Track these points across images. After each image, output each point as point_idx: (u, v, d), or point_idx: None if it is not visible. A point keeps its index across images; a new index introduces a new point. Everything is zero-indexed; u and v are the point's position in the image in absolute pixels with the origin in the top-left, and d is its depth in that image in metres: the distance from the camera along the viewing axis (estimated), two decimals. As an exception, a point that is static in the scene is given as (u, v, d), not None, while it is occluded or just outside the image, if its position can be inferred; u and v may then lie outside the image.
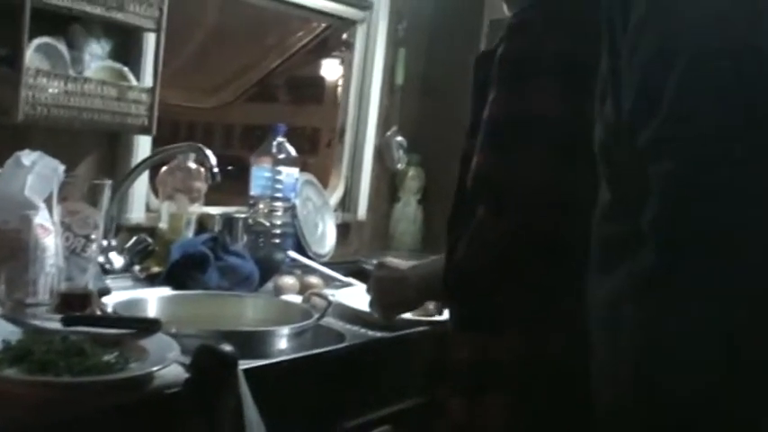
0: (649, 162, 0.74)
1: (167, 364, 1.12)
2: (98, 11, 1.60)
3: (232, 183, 2.18)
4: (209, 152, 1.71)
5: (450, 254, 1.23)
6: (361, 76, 2.55)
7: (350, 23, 2.50)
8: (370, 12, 2.49)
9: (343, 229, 2.56)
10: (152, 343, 1.19)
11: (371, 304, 1.59)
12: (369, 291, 1.59)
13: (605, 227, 0.88)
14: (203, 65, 2.80)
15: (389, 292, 1.54)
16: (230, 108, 3.34)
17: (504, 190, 1.12)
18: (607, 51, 0.84)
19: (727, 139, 0.70)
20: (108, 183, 1.37)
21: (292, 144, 2.15)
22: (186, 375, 1.13)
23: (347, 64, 2.56)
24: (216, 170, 1.71)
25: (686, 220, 0.71)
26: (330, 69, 3.30)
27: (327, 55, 2.99)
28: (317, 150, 4.21)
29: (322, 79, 3.45)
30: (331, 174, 2.61)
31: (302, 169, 2.24)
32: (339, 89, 3.66)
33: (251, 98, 3.42)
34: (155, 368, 1.10)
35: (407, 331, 1.65)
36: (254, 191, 2.14)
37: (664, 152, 0.73)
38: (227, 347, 1.13)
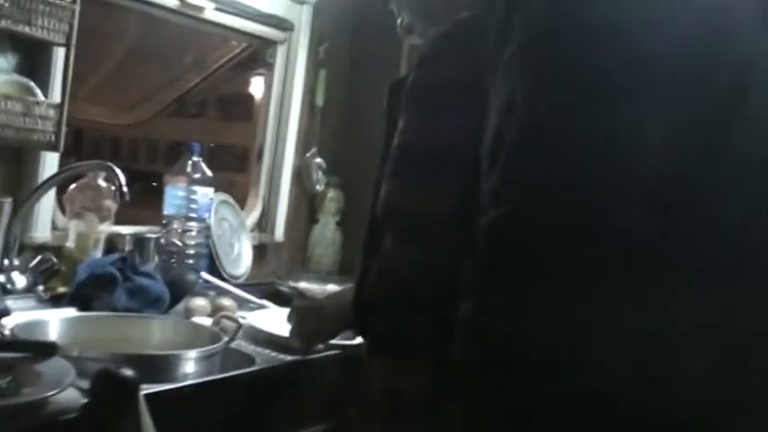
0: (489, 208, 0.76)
1: (63, 389, 1.08)
2: (3, 24, 1.55)
3: (156, 199, 2.14)
4: (118, 171, 1.67)
5: (359, 282, 1.23)
6: (281, 97, 2.53)
7: (270, 44, 2.49)
8: (290, 33, 2.48)
9: (260, 251, 2.54)
10: (48, 367, 1.15)
11: (291, 334, 1.58)
12: (288, 320, 1.58)
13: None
14: (121, 81, 2.75)
15: (308, 322, 1.54)
16: (155, 124, 3.28)
17: (410, 219, 1.12)
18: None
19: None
20: (8, 200, 1.32)
21: (220, 161, 2.13)
22: (84, 400, 1.09)
23: (267, 84, 2.55)
24: (125, 189, 1.67)
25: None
26: (260, 86, 3.27)
27: (254, 72, 2.96)
28: (245, 168, 4.19)
29: (251, 97, 3.42)
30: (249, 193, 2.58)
31: (230, 186, 2.21)
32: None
33: (178, 114, 3.37)
34: (49, 393, 1.06)
35: (320, 355, 1.64)
36: (167, 210, 2.11)
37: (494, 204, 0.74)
38: (128, 371, 1.10)
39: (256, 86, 3.34)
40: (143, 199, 1.83)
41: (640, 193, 0.70)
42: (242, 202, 2.51)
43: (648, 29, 0.70)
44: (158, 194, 2.14)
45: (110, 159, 1.82)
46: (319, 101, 2.66)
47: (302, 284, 2.45)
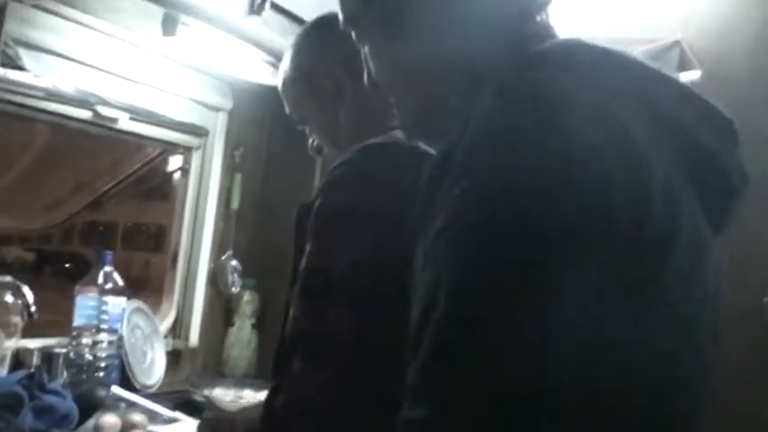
0: (405, 407, 0.74)
1: None
2: None
3: (71, 281, 2.11)
4: (25, 289, 1.65)
5: (267, 401, 1.23)
6: (196, 201, 2.54)
7: (184, 149, 2.51)
8: (206, 138, 2.51)
9: (174, 357, 2.50)
10: None
11: None
12: None
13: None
14: (31, 186, 2.71)
15: None
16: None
17: (317, 342, 1.13)
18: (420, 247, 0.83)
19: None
20: None
21: (138, 242, 2.11)
22: None
23: (182, 188, 2.55)
24: (33, 308, 1.64)
25: None
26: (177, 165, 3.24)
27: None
28: (162, 248, 4.12)
29: (169, 176, 3.38)
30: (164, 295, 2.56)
31: (146, 266, 2.18)
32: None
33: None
34: None
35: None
36: (77, 321, 2.06)
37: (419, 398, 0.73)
38: None
39: (174, 165, 3.33)
40: (54, 282, 1.80)
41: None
42: (159, 282, 2.48)
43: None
44: (72, 276, 2.11)
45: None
46: (235, 204, 2.68)
47: (217, 390, 2.42)
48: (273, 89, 2.34)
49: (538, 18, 0.97)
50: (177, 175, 3.07)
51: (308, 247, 1.17)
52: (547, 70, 0.83)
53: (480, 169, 0.75)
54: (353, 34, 1.06)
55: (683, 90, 0.90)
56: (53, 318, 2.26)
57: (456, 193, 0.75)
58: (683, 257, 0.80)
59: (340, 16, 1.06)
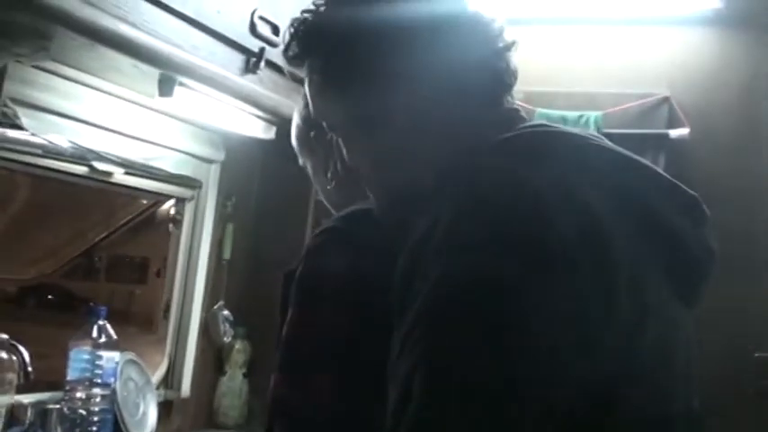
0: None
1: None
2: None
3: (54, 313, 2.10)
4: (22, 349, 1.65)
5: None
6: (189, 252, 2.56)
7: (177, 200, 2.53)
8: (198, 190, 2.54)
9: (166, 407, 2.49)
10: None
11: None
12: None
13: None
14: (19, 238, 2.72)
15: None
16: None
17: (293, 411, 1.11)
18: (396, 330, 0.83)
19: None
20: None
21: (120, 273, 2.11)
22: None
23: (174, 239, 2.57)
24: (30, 369, 1.64)
25: None
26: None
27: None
28: (146, 279, 4.08)
29: (155, 208, 3.38)
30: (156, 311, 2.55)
31: (129, 298, 2.19)
32: (171, 223, 3.62)
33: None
34: None
35: None
36: (71, 375, 2.06)
37: None
38: None
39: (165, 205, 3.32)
40: (36, 314, 1.80)
41: None
42: (142, 315, 2.48)
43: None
44: (54, 308, 2.11)
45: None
46: (226, 254, 2.70)
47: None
48: (265, 142, 2.39)
49: (505, 103, 0.99)
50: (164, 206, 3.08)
51: (289, 315, 1.14)
52: (515, 160, 0.85)
53: (452, 260, 0.77)
54: (325, 124, 1.07)
55: (651, 173, 0.93)
56: (36, 349, 2.25)
57: (430, 282, 0.77)
58: (653, 339, 0.82)
59: (311, 109, 1.07)
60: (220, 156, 2.56)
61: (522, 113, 0.99)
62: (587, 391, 0.75)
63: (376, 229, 1.12)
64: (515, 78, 0.99)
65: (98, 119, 2.08)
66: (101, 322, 2.10)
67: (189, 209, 2.55)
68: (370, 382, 0.99)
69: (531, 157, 0.86)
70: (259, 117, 2.20)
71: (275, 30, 2.07)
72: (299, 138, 1.47)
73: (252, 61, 2.03)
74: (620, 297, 0.78)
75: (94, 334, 2.08)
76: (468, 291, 0.75)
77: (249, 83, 2.03)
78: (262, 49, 2.04)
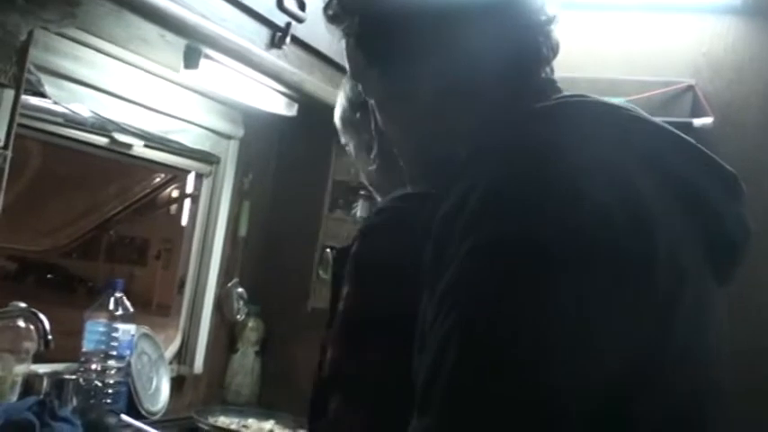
0: None
1: None
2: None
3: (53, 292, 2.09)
4: (42, 317, 1.65)
5: None
6: (205, 228, 2.55)
7: (195, 176, 2.52)
8: (216, 165, 2.52)
9: (178, 383, 2.49)
10: None
11: None
12: None
13: None
14: (33, 208, 2.70)
15: None
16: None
17: (353, 383, 1.14)
18: (427, 297, 0.83)
19: None
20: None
21: (120, 254, 2.10)
22: None
23: (191, 215, 2.56)
24: (50, 337, 1.64)
25: None
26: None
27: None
28: (145, 261, 4.10)
29: (157, 189, 3.36)
30: (155, 294, 2.55)
31: (130, 279, 2.18)
32: (173, 205, 3.61)
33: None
34: None
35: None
36: (87, 347, 2.06)
37: None
38: None
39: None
40: (35, 292, 1.77)
41: None
42: (141, 297, 2.47)
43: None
44: (53, 287, 2.09)
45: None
46: (242, 231, 2.69)
47: (221, 419, 2.42)
48: (284, 119, 2.38)
49: (542, 74, 0.98)
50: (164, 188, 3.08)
51: (345, 290, 1.18)
52: (552, 130, 0.84)
53: (487, 227, 0.76)
54: (360, 87, 1.07)
55: (689, 147, 0.91)
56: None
57: (464, 251, 0.75)
58: (689, 313, 0.81)
59: (347, 71, 1.07)
60: (239, 132, 2.55)
61: (559, 85, 0.97)
62: (625, 361, 0.74)
63: (428, 211, 1.15)
64: (555, 52, 0.98)
65: (120, 90, 2.07)
66: (117, 294, 2.10)
67: (206, 184, 2.53)
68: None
69: (567, 125, 0.84)
70: (282, 93, 2.19)
71: (302, 5, 2.05)
72: (343, 118, 1.48)
73: (278, 36, 2.01)
74: (658, 268, 0.77)
75: (111, 306, 2.08)
76: (503, 261, 0.74)
77: (274, 58, 2.01)
78: (288, 24, 2.01)
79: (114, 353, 2.07)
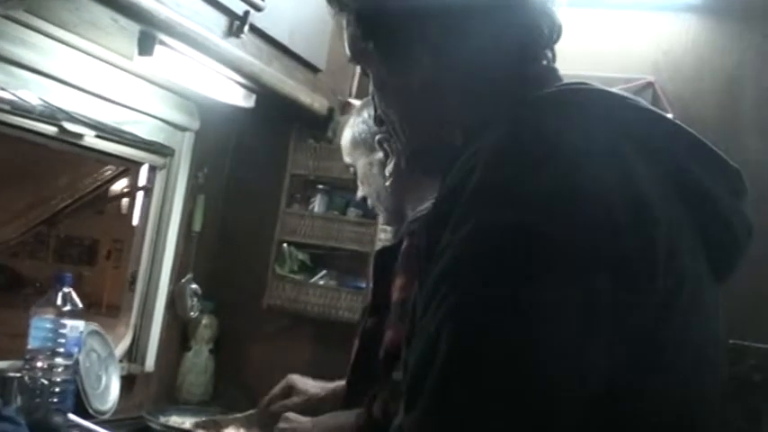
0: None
1: None
2: None
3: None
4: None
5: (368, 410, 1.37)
6: (158, 222, 2.48)
7: (149, 168, 2.45)
8: (171, 158, 2.46)
9: (128, 381, 2.42)
10: None
11: None
12: None
13: None
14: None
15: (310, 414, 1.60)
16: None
17: None
18: (419, 285, 0.82)
19: None
20: None
21: (68, 254, 2.04)
22: None
23: (143, 209, 2.49)
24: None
25: None
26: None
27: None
28: (95, 261, 4.01)
29: (106, 191, 3.28)
30: (105, 294, 2.47)
31: (78, 281, 2.11)
32: (123, 201, 3.51)
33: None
34: None
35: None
36: (32, 344, 1.98)
37: None
38: None
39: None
40: None
41: None
42: (91, 298, 2.40)
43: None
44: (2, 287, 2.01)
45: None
46: (197, 226, 2.62)
47: (173, 418, 2.35)
48: (240, 111, 2.32)
49: (543, 61, 0.96)
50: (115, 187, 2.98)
51: (399, 281, 1.35)
52: (552, 117, 0.82)
53: (484, 213, 0.74)
54: (360, 67, 1.04)
55: (692, 139, 0.89)
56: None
57: (459, 236, 0.74)
58: (686, 312, 0.79)
59: (346, 50, 1.04)
60: (195, 124, 2.48)
61: (559, 73, 0.95)
62: (619, 359, 0.71)
63: None
64: (558, 35, 0.96)
65: (71, 77, 1.99)
66: (66, 289, 2.02)
67: (160, 177, 2.46)
68: None
69: (567, 111, 0.82)
70: (239, 84, 2.13)
71: (260, -7, 2.01)
72: (357, 138, 1.65)
73: (236, 24, 1.96)
74: (658, 268, 0.75)
75: (59, 301, 2.00)
76: (498, 249, 0.71)
77: (232, 47, 1.96)
78: (246, 12, 1.96)
79: (61, 350, 1.99)
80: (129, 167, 2.48)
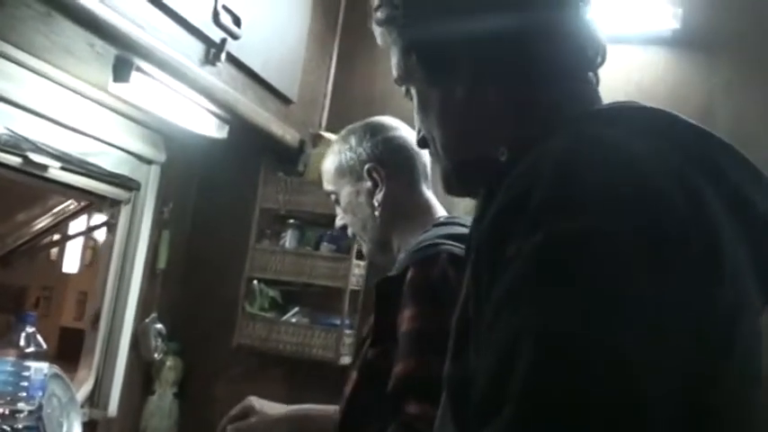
0: None
1: None
2: None
3: None
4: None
5: None
6: (122, 259, 2.38)
7: (112, 203, 2.35)
8: (136, 192, 2.36)
9: (89, 428, 2.29)
10: None
11: None
12: None
13: None
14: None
15: None
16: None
17: (436, 386, 1.18)
18: (474, 296, 0.79)
19: None
20: None
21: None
22: None
23: (107, 244, 2.38)
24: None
25: None
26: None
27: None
28: (22, 310, 3.86)
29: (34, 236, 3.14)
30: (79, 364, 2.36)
31: (6, 329, 2.00)
32: (53, 249, 3.34)
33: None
34: None
35: None
36: (-7, 389, 1.86)
37: None
38: None
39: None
40: None
41: None
42: None
43: None
44: None
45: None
46: (161, 263, 2.53)
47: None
48: (207, 144, 2.25)
49: (589, 84, 0.93)
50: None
51: (408, 312, 1.32)
52: (611, 126, 0.80)
53: (556, 222, 0.71)
54: (403, 88, 1.01)
55: (740, 158, 0.88)
56: None
57: (531, 245, 0.71)
58: (747, 329, 0.77)
59: (393, 72, 1.00)
60: (161, 157, 2.40)
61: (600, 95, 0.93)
62: (694, 372, 0.69)
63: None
64: (603, 59, 0.93)
65: (38, 106, 1.90)
66: (29, 329, 1.90)
67: (124, 213, 2.37)
68: None
69: (626, 123, 0.80)
70: (213, 113, 2.06)
71: (237, 21, 1.95)
72: (343, 165, 1.59)
73: (212, 52, 1.90)
74: (725, 265, 0.73)
75: (21, 342, 1.88)
76: (578, 252, 0.69)
77: (208, 74, 1.90)
78: (223, 40, 1.91)
79: (24, 394, 1.87)
80: (93, 202, 2.37)
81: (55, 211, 2.59)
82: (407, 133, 1.61)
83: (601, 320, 0.66)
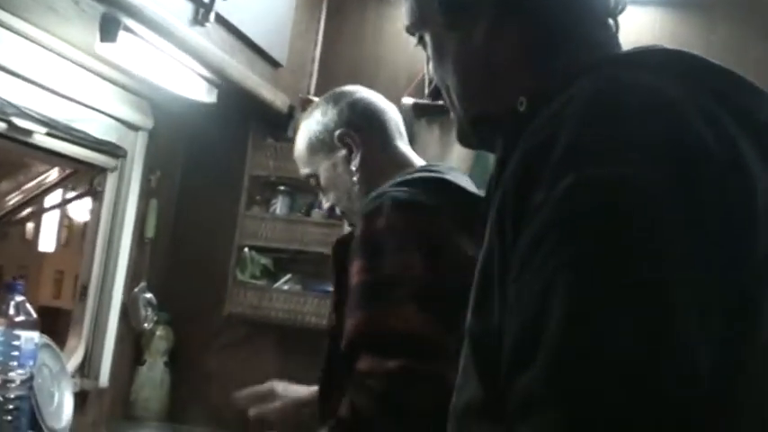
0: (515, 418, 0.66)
1: None
2: None
3: None
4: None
5: (334, 413, 1.28)
6: (110, 228, 2.33)
7: (99, 170, 2.30)
8: (123, 160, 2.32)
9: (81, 398, 2.26)
10: None
11: None
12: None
13: (481, 426, 0.80)
14: None
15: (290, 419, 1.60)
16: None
17: (384, 339, 1.23)
18: (498, 247, 0.75)
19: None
20: None
21: None
22: None
23: (94, 213, 2.34)
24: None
25: None
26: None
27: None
28: None
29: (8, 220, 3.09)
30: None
31: None
32: (28, 225, 3.30)
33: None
34: None
35: None
36: (-19, 358, 1.82)
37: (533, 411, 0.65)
38: None
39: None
40: None
41: None
42: None
43: None
44: None
45: None
46: (149, 232, 2.49)
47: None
48: (194, 110, 2.20)
49: (611, 27, 0.90)
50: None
51: (355, 266, 1.30)
52: (638, 70, 0.77)
53: (584, 167, 0.68)
54: (417, 37, 0.98)
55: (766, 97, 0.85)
56: None
57: (560, 190, 0.68)
58: None
59: (405, 19, 0.97)
60: (148, 123, 2.35)
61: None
62: (730, 324, 0.66)
63: (423, 191, 1.35)
64: (623, 7, 0.90)
65: (22, 69, 1.85)
66: (18, 298, 1.86)
67: (111, 180, 2.32)
68: (444, 312, 1.20)
69: (653, 66, 0.77)
70: (202, 77, 2.02)
71: (226, -21, 1.91)
72: (314, 140, 1.56)
73: (201, 12, 1.85)
74: (759, 214, 0.70)
75: (11, 311, 1.84)
76: (611, 196, 0.66)
77: (197, 35, 1.85)
78: (212, 0, 1.86)
79: (15, 363, 1.83)
80: (78, 169, 2.32)
81: (29, 185, 2.53)
82: (370, 94, 1.58)
83: (629, 275, 0.64)
